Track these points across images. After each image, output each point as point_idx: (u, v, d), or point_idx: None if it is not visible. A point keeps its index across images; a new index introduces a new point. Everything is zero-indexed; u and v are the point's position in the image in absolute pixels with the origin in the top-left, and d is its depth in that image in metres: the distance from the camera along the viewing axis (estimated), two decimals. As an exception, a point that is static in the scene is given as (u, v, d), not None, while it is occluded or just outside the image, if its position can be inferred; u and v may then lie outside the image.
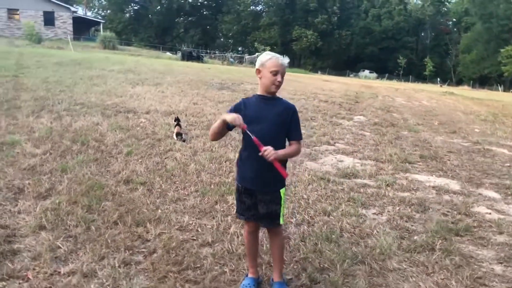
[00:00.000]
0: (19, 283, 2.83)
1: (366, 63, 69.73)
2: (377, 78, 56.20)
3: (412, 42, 73.07)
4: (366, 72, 60.88)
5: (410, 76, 60.95)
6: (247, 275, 3.03)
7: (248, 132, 2.66)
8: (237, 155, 3.05)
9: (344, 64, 70.32)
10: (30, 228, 3.57)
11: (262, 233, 3.47)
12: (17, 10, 45.24)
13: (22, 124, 7.19)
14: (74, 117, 8.03)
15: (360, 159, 6.95)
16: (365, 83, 30.23)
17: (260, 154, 2.59)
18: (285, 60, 2.77)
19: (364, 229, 4.10)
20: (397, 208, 4.77)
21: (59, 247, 3.29)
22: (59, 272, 2.97)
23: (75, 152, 5.89)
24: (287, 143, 2.86)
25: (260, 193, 2.79)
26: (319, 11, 62.88)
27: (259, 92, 2.84)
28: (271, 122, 2.74)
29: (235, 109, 2.83)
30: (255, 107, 2.80)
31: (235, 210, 3.02)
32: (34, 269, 3.00)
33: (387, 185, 5.56)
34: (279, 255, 2.97)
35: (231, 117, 2.63)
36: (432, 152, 7.74)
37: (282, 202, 2.83)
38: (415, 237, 4.01)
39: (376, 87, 26.09)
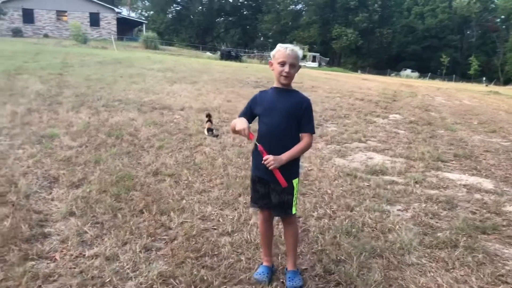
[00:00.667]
0: (47, 263, 3.02)
1: (408, 62, 68.08)
2: (419, 77, 54.76)
3: (456, 41, 70.69)
4: (408, 71, 59.43)
5: (454, 75, 59.00)
6: (261, 264, 3.09)
7: (256, 143, 2.76)
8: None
9: (385, 63, 68.99)
10: (61, 214, 3.78)
11: (278, 223, 3.54)
12: (65, 12, 47.11)
13: (62, 118, 7.55)
14: (111, 113, 8.35)
15: (390, 156, 6.86)
16: (406, 82, 29.59)
17: (262, 162, 2.68)
18: (295, 50, 2.76)
19: (386, 224, 4.07)
20: (423, 205, 4.70)
21: (86, 232, 3.47)
22: (84, 255, 3.14)
23: (109, 145, 6.14)
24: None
25: (272, 182, 2.83)
26: (360, 9, 61.97)
27: (274, 85, 2.90)
28: (282, 114, 2.77)
29: (252, 101, 2.94)
30: (270, 98, 2.86)
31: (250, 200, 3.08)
32: (61, 251, 3.18)
33: (416, 182, 5.48)
34: (293, 244, 3.01)
35: (239, 127, 2.71)
36: (467, 151, 7.53)
37: (295, 192, 2.87)
38: (438, 234, 3.94)
39: (416, 86, 25.47)
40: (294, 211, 2.91)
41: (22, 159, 5.26)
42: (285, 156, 2.72)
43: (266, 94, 2.92)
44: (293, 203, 2.88)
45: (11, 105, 8.29)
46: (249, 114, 2.91)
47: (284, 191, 2.82)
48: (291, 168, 2.82)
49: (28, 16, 45.60)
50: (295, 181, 2.85)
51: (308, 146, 2.84)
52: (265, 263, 3.07)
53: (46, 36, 43.84)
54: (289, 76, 2.76)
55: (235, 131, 2.79)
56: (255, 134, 2.81)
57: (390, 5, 64.52)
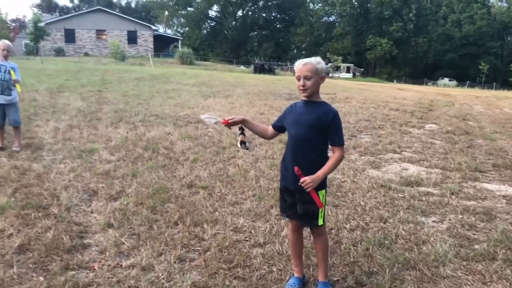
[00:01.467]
0: (86, 273, 3.15)
1: (445, 71, 66.53)
2: (457, 86, 53.38)
3: (496, 47, 68.62)
4: (445, 80, 58.05)
5: (494, 83, 57.16)
6: (293, 275, 3.12)
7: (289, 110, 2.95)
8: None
9: (421, 72, 67.71)
10: (99, 225, 3.94)
11: (310, 234, 3.56)
12: (104, 31, 48.91)
13: (101, 133, 7.84)
14: (148, 127, 8.59)
15: (426, 167, 6.75)
16: (443, 91, 28.96)
17: (299, 183, 2.70)
18: (308, 62, 2.76)
19: (420, 236, 4.02)
20: (460, 216, 4.60)
21: (123, 243, 3.60)
22: (121, 265, 3.26)
23: (146, 159, 6.33)
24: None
25: (298, 192, 2.86)
26: (394, 18, 61.20)
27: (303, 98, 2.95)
28: (307, 126, 2.80)
29: (283, 113, 3.04)
30: (297, 111, 2.92)
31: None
32: (100, 261, 3.31)
33: (452, 193, 5.37)
34: (323, 255, 3.03)
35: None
36: (507, 161, 7.30)
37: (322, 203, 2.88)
38: (475, 246, 3.85)
39: (454, 95, 24.87)
40: (320, 222, 2.91)
41: (64, 173, 5.50)
42: (321, 173, 2.73)
43: (295, 106, 2.98)
44: (320, 214, 2.88)
45: (53, 121, 8.67)
46: (279, 124, 3.04)
47: (309, 201, 2.82)
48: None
49: (69, 36, 47.61)
50: (321, 193, 2.85)
51: (340, 159, 2.82)
52: (296, 274, 3.10)
53: (86, 54, 45.57)
54: (305, 89, 2.77)
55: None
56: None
57: (426, 14, 63.36)
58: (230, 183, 5.38)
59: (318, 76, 2.77)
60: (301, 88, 2.78)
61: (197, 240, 3.76)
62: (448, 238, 3.98)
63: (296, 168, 2.73)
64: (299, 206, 2.90)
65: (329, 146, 2.90)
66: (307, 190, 2.70)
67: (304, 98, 2.87)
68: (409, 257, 3.54)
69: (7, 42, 6.78)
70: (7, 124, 6.71)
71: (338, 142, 2.82)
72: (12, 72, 6.51)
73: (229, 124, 3.03)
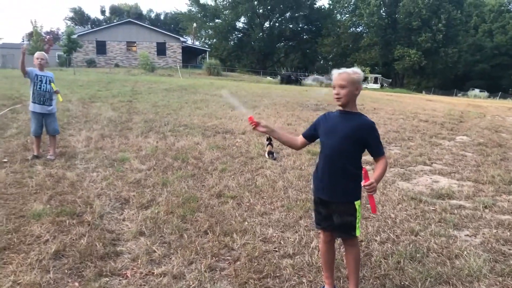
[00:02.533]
0: (119, 280, 3.21)
1: (476, 81, 65.10)
2: (489, 97, 52.13)
3: (529, 58, 66.78)
4: (476, 91, 56.70)
5: (529, 94, 55.61)
6: (323, 286, 3.11)
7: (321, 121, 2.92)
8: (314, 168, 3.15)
9: (451, 83, 66.45)
10: (131, 233, 4.01)
11: (340, 246, 3.53)
12: (134, 42, 49.97)
13: (132, 143, 8.00)
14: (177, 137, 8.72)
15: (457, 180, 6.62)
16: (473, 103, 28.32)
17: (363, 184, 2.67)
18: (343, 72, 2.79)
19: (453, 250, 3.94)
20: (494, 230, 4.49)
21: (155, 251, 3.66)
22: (153, 273, 3.31)
23: (175, 168, 6.42)
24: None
25: (334, 204, 2.87)
26: (423, 29, 60.29)
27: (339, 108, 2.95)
28: (342, 136, 2.79)
29: (317, 122, 3.02)
30: (332, 121, 2.91)
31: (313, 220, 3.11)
32: (132, 269, 3.37)
33: (485, 207, 5.25)
34: (354, 267, 3.00)
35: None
36: (543, 174, 7.09)
37: (358, 214, 2.86)
38: (511, 261, 3.76)
39: (485, 106, 24.31)
40: (358, 233, 2.91)
41: (97, 181, 5.63)
42: (378, 178, 2.73)
43: (330, 116, 2.96)
44: (357, 225, 2.88)
45: (86, 131, 8.89)
46: (311, 133, 3.04)
47: (346, 212, 2.84)
48: (355, 190, 2.85)
49: (101, 48, 48.85)
50: (357, 203, 2.85)
51: (386, 166, 2.85)
52: (327, 286, 3.09)
53: (117, 65, 46.62)
54: (339, 98, 2.79)
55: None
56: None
57: (456, 24, 62.16)
58: (258, 193, 5.40)
59: (353, 86, 2.78)
60: (336, 96, 2.80)
61: (227, 249, 3.78)
62: (482, 253, 3.89)
63: (364, 169, 2.73)
64: (336, 217, 2.88)
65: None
66: (370, 193, 2.66)
67: (339, 108, 2.88)
68: (441, 271, 3.47)
69: (42, 52, 7.04)
70: (43, 133, 6.91)
71: (381, 152, 2.85)
72: (52, 84, 6.75)
73: (255, 126, 3.10)
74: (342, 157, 2.79)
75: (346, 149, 2.80)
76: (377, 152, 2.84)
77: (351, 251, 3.00)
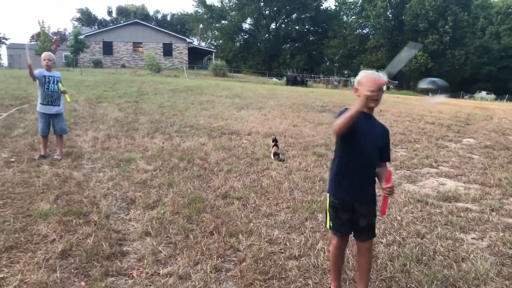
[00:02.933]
0: (125, 280, 3.22)
1: (483, 84, 64.70)
2: (496, 99, 51.82)
3: (537, 60, 66.28)
4: (483, 93, 56.42)
5: (537, 97, 55.21)
6: None
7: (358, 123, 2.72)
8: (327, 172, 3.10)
9: (457, 85, 66.00)
10: (137, 234, 4.03)
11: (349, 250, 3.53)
12: (141, 43, 50.11)
13: (138, 143, 8.02)
14: (183, 138, 8.74)
15: (464, 182, 6.59)
16: (480, 105, 28.16)
17: (386, 186, 2.75)
18: (380, 75, 2.81)
19: (459, 253, 3.93)
20: (501, 234, 4.47)
21: (160, 252, 3.67)
22: (159, 273, 3.32)
23: (181, 169, 6.43)
24: None
25: (360, 206, 2.87)
26: (430, 31, 60.04)
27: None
28: (375, 139, 2.84)
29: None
30: (364, 122, 2.79)
31: (328, 226, 3.01)
32: (138, 269, 3.39)
33: (492, 210, 5.23)
34: (369, 270, 3.02)
35: (364, 93, 2.64)
36: (551, 178, 7.04)
37: None
38: (518, 265, 3.73)
39: (492, 108, 24.15)
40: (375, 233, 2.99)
41: (103, 181, 5.65)
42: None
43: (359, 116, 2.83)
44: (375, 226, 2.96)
45: (92, 131, 8.93)
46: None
47: (370, 213, 2.90)
48: (374, 190, 2.92)
49: (107, 48, 49.02)
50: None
51: None
52: None
53: (123, 66, 46.77)
54: (377, 102, 2.81)
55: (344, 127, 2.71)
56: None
57: (463, 26, 61.83)
58: (264, 195, 5.40)
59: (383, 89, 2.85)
60: (375, 98, 2.76)
61: (232, 250, 3.79)
62: (489, 256, 3.87)
63: (389, 172, 2.79)
64: (362, 220, 2.87)
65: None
66: (388, 195, 2.77)
67: (364, 110, 2.78)
68: (448, 274, 3.46)
69: (49, 52, 7.01)
70: (51, 133, 6.94)
71: (389, 158, 2.97)
72: (60, 84, 6.78)
73: None
74: (374, 159, 2.84)
75: (376, 152, 2.85)
76: (388, 157, 2.96)
77: (368, 255, 3.00)
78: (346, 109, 2.88)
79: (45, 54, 6.86)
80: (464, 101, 39.54)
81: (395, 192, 2.74)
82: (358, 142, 2.80)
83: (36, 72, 6.63)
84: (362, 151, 2.80)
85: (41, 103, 6.73)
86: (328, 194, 2.97)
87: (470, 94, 57.83)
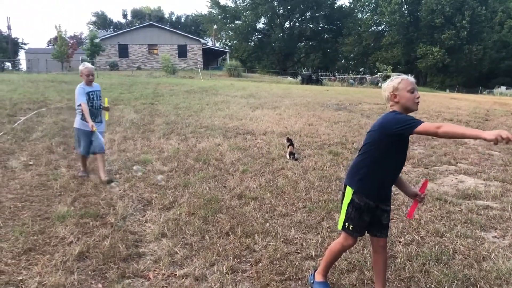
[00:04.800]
0: (142, 282, 3.23)
1: (502, 79, 63.48)
2: (516, 94, 50.87)
3: (558, 53, 64.83)
4: (502, 88, 55.36)
5: (558, 90, 54.00)
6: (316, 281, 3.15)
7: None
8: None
9: (475, 80, 65.06)
10: (154, 235, 4.03)
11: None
12: (156, 45, 50.50)
13: (154, 145, 8.07)
14: (198, 139, 8.76)
15: (484, 180, 6.45)
16: (500, 100, 27.65)
17: (421, 194, 2.97)
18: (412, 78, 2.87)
19: (480, 252, 3.84)
20: (523, 232, 4.36)
21: (177, 253, 3.67)
22: (175, 275, 3.32)
23: (197, 169, 6.44)
24: None
25: (384, 205, 2.88)
26: (446, 26, 59.17)
27: (399, 111, 2.78)
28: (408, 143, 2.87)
29: None
30: None
31: (340, 227, 2.93)
32: (154, 270, 3.39)
33: (514, 207, 5.10)
34: (385, 269, 3.03)
35: (492, 136, 2.26)
36: None
37: None
38: (542, 264, 3.63)
39: (512, 104, 23.72)
40: None
41: (119, 183, 5.68)
42: None
43: None
44: None
45: (109, 133, 9.01)
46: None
47: (389, 213, 2.94)
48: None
49: (123, 51, 49.53)
50: None
51: None
52: (323, 279, 3.14)
53: (139, 68, 47.20)
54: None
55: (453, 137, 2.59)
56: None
57: (480, 21, 60.75)
58: (279, 195, 5.37)
59: None
60: (418, 100, 2.79)
61: (248, 251, 3.77)
62: (511, 255, 3.77)
63: (426, 180, 2.93)
64: (385, 218, 2.89)
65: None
66: (420, 202, 2.96)
67: (414, 110, 2.81)
68: (469, 274, 3.39)
69: (89, 66, 6.10)
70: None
71: None
72: (106, 99, 6.24)
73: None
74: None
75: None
76: None
77: (385, 253, 2.98)
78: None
79: (87, 69, 5.96)
80: (482, 96, 38.89)
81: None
82: (405, 146, 2.80)
83: (78, 91, 5.88)
84: (404, 154, 2.82)
85: (81, 119, 5.91)
86: (351, 190, 2.85)
87: (489, 90, 56.82)
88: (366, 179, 2.81)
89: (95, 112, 6.02)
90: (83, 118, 5.86)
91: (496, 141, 2.25)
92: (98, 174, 5.90)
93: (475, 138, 2.39)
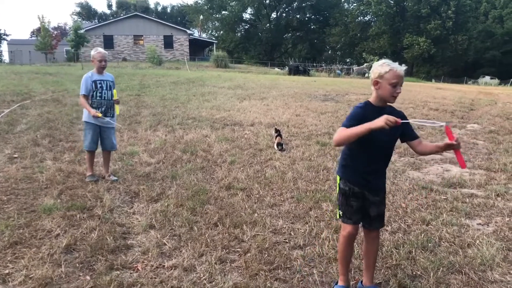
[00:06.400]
0: (130, 273, 3.22)
1: (487, 69, 64.13)
2: (500, 84, 51.43)
3: (541, 43, 65.57)
4: (487, 78, 55.96)
5: (541, 80, 54.75)
6: (336, 283, 3.03)
7: (446, 124, 2.59)
8: (337, 160, 3.08)
9: (461, 70, 65.58)
10: (142, 227, 4.02)
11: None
12: (141, 36, 49.94)
13: (141, 136, 8.02)
14: (186, 130, 8.72)
15: (469, 168, 6.54)
16: (484, 90, 27.97)
17: (451, 142, 2.53)
18: (403, 69, 2.72)
19: (465, 239, 3.90)
20: (507, 219, 4.45)
21: (165, 244, 3.67)
22: (164, 266, 3.32)
23: (184, 161, 6.42)
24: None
25: (371, 195, 2.83)
26: (432, 16, 59.43)
27: (372, 102, 2.77)
28: (394, 134, 2.75)
29: (361, 118, 2.65)
30: (379, 116, 2.58)
31: (338, 216, 2.95)
32: (143, 262, 3.38)
33: (497, 195, 5.19)
34: (375, 260, 3.01)
35: (383, 121, 2.43)
36: (556, 161, 6.98)
37: None
38: (525, 250, 3.71)
39: (496, 93, 23.98)
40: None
41: (106, 175, 5.64)
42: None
43: (372, 111, 2.70)
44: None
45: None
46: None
47: (382, 203, 2.89)
48: (385, 179, 2.94)
49: (108, 42, 48.84)
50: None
51: None
52: (341, 283, 2.99)
53: (124, 59, 46.64)
54: (396, 97, 2.72)
55: (346, 141, 2.63)
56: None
57: (465, 11, 61.15)
58: (268, 185, 5.38)
59: None
60: (396, 95, 2.69)
61: (237, 241, 3.78)
62: (495, 242, 3.84)
63: (447, 127, 2.58)
64: (373, 209, 2.85)
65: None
66: (459, 148, 2.57)
67: (378, 103, 2.74)
68: (454, 261, 3.44)
69: (102, 51, 5.53)
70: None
71: (417, 135, 2.87)
72: (115, 91, 5.60)
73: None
74: (391, 151, 2.85)
75: (393, 144, 2.85)
76: (415, 134, 2.85)
77: (375, 243, 2.99)
78: (365, 103, 2.77)
79: (101, 54, 5.42)
80: (467, 86, 39.28)
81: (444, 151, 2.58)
82: (376, 137, 2.65)
83: (84, 79, 5.39)
84: (382, 143, 2.74)
85: None
86: (338, 177, 2.92)
87: (473, 80, 57.42)
88: (348, 166, 2.87)
89: (106, 103, 5.45)
90: None
91: (387, 126, 2.43)
92: (100, 171, 5.73)
93: (368, 131, 2.49)
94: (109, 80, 5.53)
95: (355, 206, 2.84)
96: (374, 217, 2.87)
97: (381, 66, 2.70)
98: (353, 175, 2.84)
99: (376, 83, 2.72)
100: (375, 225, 2.92)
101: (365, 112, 2.69)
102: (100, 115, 5.32)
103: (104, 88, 5.42)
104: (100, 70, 5.44)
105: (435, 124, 2.67)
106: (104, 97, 5.43)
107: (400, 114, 2.76)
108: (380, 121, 2.44)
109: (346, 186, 2.85)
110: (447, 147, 2.60)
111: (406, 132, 2.80)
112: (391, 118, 2.44)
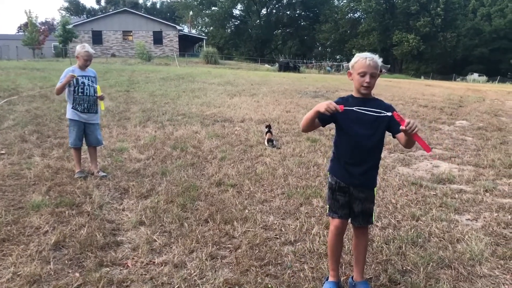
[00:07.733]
0: (120, 270, 3.19)
1: (475, 66, 64.82)
2: (488, 81, 51.98)
3: (528, 41, 66.29)
4: (475, 75, 56.55)
5: (528, 78, 55.45)
6: (327, 279, 3.02)
7: (347, 109, 2.62)
8: (328, 155, 3.09)
9: (450, 67, 66.17)
10: (131, 223, 3.99)
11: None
12: (131, 31, 49.60)
13: (130, 133, 7.96)
14: (175, 127, 8.68)
15: (458, 164, 6.60)
16: (472, 87, 28.25)
17: (402, 128, 2.47)
18: (375, 59, 2.70)
19: (454, 234, 3.93)
20: (495, 214, 4.49)
21: (155, 241, 3.64)
22: (154, 262, 3.29)
23: (174, 157, 6.39)
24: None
25: (356, 190, 2.83)
26: (421, 13, 59.83)
27: (354, 94, 2.82)
28: (371, 124, 2.72)
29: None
30: (354, 107, 2.69)
31: (327, 209, 2.97)
32: (133, 258, 3.35)
33: (486, 190, 5.24)
34: (364, 255, 3.01)
35: (324, 106, 2.54)
36: (543, 158, 7.07)
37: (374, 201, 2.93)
38: (513, 245, 3.75)
39: (484, 90, 24.24)
40: (373, 220, 2.97)
41: (95, 171, 5.59)
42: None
43: (350, 103, 2.74)
44: (373, 212, 2.93)
45: (84, 121, 8.83)
46: (328, 118, 2.74)
47: (367, 199, 2.86)
48: (375, 177, 2.90)
49: (97, 37, 48.47)
50: (375, 189, 2.92)
51: None
52: (331, 278, 2.99)
53: (113, 55, 46.32)
54: (370, 87, 2.70)
55: (306, 125, 2.75)
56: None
57: (454, 8, 61.61)
58: (258, 181, 5.38)
59: (378, 73, 2.75)
60: (366, 85, 2.68)
61: (227, 237, 3.76)
62: (483, 237, 3.88)
63: (395, 113, 2.56)
64: (357, 205, 2.85)
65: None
66: (414, 132, 2.46)
67: (359, 95, 2.77)
68: (443, 256, 3.47)
69: (90, 50, 5.45)
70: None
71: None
72: (98, 87, 5.42)
73: None
74: (373, 143, 2.77)
75: (374, 137, 2.76)
76: (397, 128, 2.70)
77: (364, 239, 2.99)
78: (349, 95, 2.84)
79: (88, 54, 5.36)
80: (456, 83, 39.67)
81: (416, 129, 2.49)
82: (348, 131, 2.74)
83: (63, 74, 5.31)
84: (359, 137, 2.74)
85: (73, 108, 5.39)
86: (328, 173, 2.99)
87: (462, 77, 57.93)
88: (333, 159, 2.94)
89: (88, 99, 5.38)
90: (73, 107, 5.36)
91: (327, 112, 2.56)
92: (90, 167, 5.66)
93: (315, 113, 2.64)
94: (91, 76, 5.45)
95: (341, 200, 2.85)
96: (358, 213, 2.86)
97: (353, 58, 2.79)
98: (338, 168, 2.88)
99: (349, 74, 2.82)
100: (359, 222, 2.90)
101: (345, 103, 2.70)
102: (75, 75, 5.22)
103: (86, 84, 5.35)
104: (83, 67, 5.40)
105: (382, 114, 2.66)
106: (86, 93, 5.37)
107: (385, 106, 2.75)
108: (321, 105, 2.58)
109: (333, 180, 2.90)
110: (405, 134, 2.57)
111: (391, 125, 2.76)
112: (332, 105, 2.53)
